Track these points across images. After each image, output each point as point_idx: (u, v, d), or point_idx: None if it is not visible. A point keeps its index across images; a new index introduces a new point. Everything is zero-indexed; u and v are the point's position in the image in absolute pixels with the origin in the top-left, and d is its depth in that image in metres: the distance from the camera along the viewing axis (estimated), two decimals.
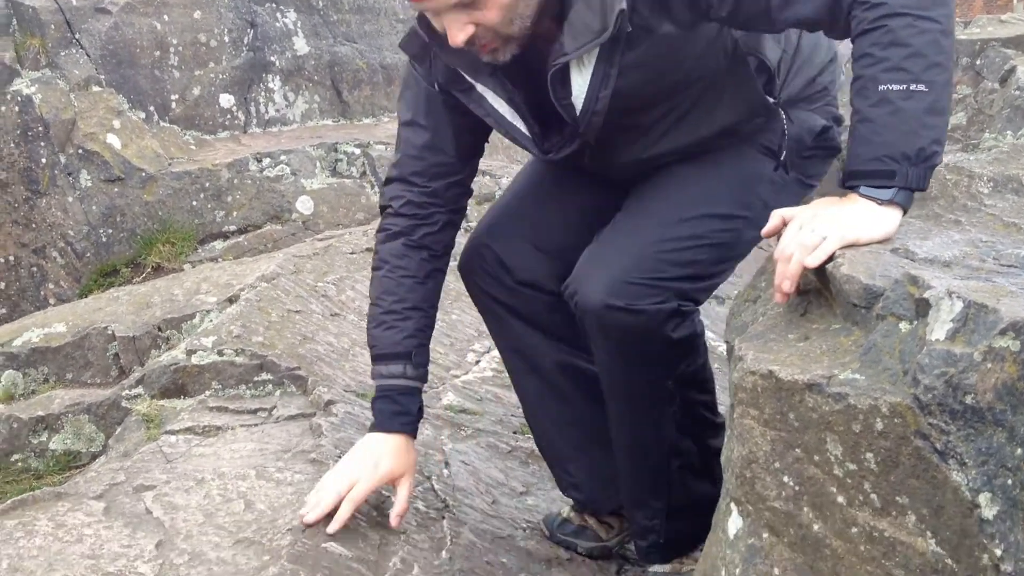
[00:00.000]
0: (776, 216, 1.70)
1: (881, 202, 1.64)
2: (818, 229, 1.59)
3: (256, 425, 2.70)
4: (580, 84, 1.93)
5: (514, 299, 2.31)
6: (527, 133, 2.06)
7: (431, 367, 2.30)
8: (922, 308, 1.38)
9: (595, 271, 2.08)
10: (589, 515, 2.49)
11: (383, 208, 2.26)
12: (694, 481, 2.27)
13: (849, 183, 1.70)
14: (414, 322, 2.20)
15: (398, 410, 2.18)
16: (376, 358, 2.21)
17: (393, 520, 2.18)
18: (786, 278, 1.62)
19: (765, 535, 1.58)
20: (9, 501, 2.15)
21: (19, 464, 2.74)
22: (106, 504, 2.20)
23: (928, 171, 1.66)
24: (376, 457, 2.14)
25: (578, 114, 1.97)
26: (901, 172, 1.64)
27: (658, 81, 1.97)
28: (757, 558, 1.58)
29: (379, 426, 2.19)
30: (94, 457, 2.76)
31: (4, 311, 4.39)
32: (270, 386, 2.91)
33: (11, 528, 2.07)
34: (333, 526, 2.08)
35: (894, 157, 1.63)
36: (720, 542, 1.70)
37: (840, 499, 1.46)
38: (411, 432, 2.20)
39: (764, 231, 1.72)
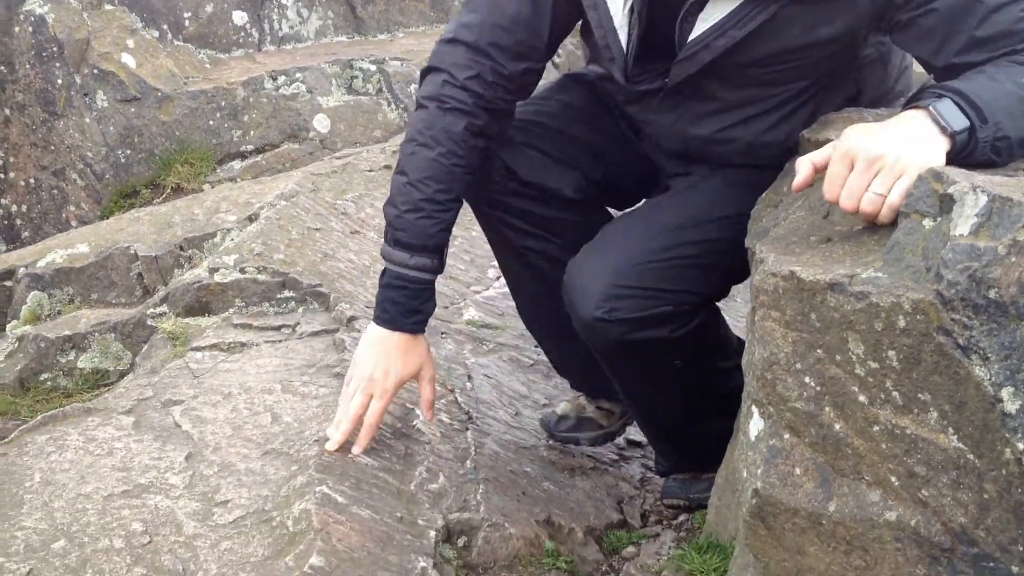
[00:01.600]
0: (806, 164, 1.57)
1: (946, 130, 1.49)
2: (887, 165, 1.46)
3: (280, 341, 2.73)
4: (714, 16, 1.79)
5: (517, 200, 2.19)
6: (623, 48, 1.89)
7: (452, 283, 2.30)
8: (946, 204, 1.37)
9: (586, 280, 1.97)
10: (588, 402, 2.48)
11: (433, 70, 1.99)
12: (714, 424, 2.23)
13: (932, 90, 1.55)
14: (452, 215, 2.02)
15: (415, 308, 2.04)
16: (401, 244, 1.99)
17: (426, 412, 2.19)
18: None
19: (786, 436, 1.59)
20: (40, 417, 2.19)
21: (48, 383, 2.78)
22: (135, 418, 2.24)
23: (1007, 153, 1.52)
24: (387, 364, 2.04)
25: (688, 40, 1.83)
26: (995, 124, 1.49)
27: (802, 41, 1.82)
28: (778, 458, 1.59)
29: (391, 323, 2.04)
30: (122, 375, 2.79)
31: (27, 234, 4.42)
32: (293, 303, 2.92)
33: (42, 443, 2.11)
34: (356, 449, 2.09)
35: (997, 111, 1.50)
36: (742, 445, 1.71)
37: (862, 398, 1.46)
38: (423, 332, 2.10)
39: (796, 183, 1.59)
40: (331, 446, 2.06)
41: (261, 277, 2.94)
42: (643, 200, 2.29)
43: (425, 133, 1.96)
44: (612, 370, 2.14)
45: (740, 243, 1.78)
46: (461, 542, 2.06)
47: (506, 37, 1.93)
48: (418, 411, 2.22)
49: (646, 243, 1.97)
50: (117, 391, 2.38)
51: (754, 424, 1.65)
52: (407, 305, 2.03)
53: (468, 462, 2.29)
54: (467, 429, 2.46)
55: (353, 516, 1.95)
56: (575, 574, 2.07)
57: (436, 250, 2.01)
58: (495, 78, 1.95)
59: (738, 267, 1.89)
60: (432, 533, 2.00)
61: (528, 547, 2.10)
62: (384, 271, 2.04)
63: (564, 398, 2.62)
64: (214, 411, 2.28)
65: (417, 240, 1.98)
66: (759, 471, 1.60)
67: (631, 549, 2.22)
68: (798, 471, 1.58)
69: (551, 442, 2.54)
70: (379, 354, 2.05)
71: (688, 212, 2.03)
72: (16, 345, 2.83)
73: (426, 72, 2.01)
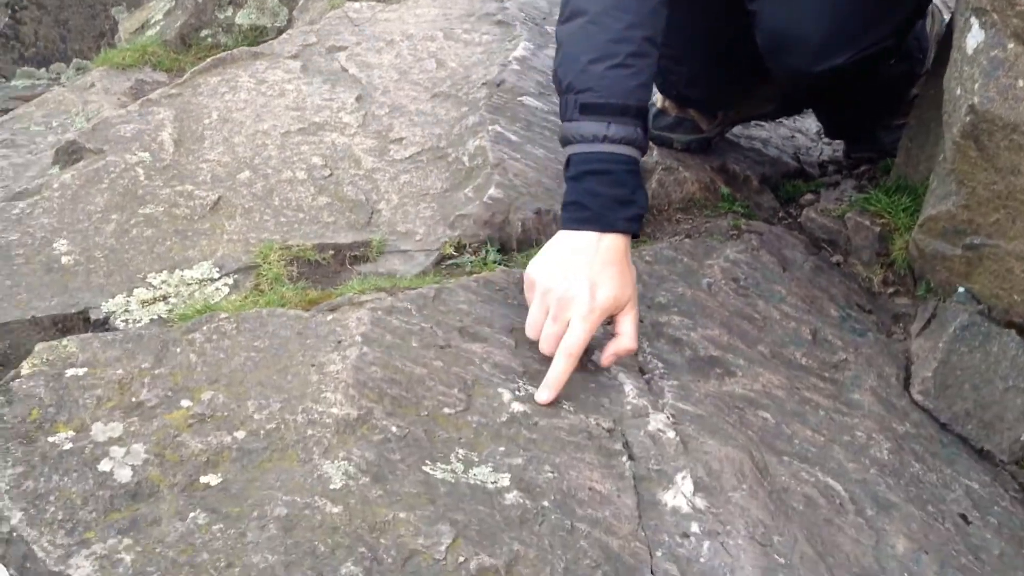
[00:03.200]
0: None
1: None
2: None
3: None
4: None
5: None
6: None
7: None
8: None
9: (798, 25, 1.65)
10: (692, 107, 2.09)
11: None
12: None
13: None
14: (651, 61, 1.51)
15: (625, 196, 1.47)
16: (589, 109, 1.48)
17: (605, 359, 1.48)
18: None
19: (1010, 45, 1.44)
20: (208, 60, 2.18)
21: (208, 40, 2.77)
22: (302, 63, 2.21)
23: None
24: (593, 279, 1.42)
25: None
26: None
27: None
28: (999, 70, 1.45)
29: (595, 221, 1.46)
30: (279, 32, 2.76)
31: None
32: None
33: (215, 84, 2.11)
34: (545, 393, 1.39)
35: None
36: (955, 62, 1.57)
37: None
38: (638, 231, 1.51)
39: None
40: (543, 398, 1.39)
41: None
42: None
43: None
44: (795, 96, 1.98)
45: None
46: None
47: None
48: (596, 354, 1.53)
49: None
50: (281, 38, 2.35)
51: (972, 36, 1.51)
52: (614, 194, 1.47)
53: None
54: None
55: (527, 154, 1.91)
56: (751, 218, 2.02)
57: (639, 113, 1.49)
58: None
59: None
60: None
61: (703, 191, 2.04)
62: (569, 161, 1.52)
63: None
64: (379, 57, 2.24)
65: (615, 99, 1.47)
66: (976, 85, 1.47)
67: (809, 196, 2.14)
68: (1020, 83, 1.44)
69: None
70: (580, 267, 1.43)
71: None
72: (174, 2, 2.81)
73: None
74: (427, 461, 1.23)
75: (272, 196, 1.79)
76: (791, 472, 1.43)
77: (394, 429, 1.25)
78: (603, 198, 1.46)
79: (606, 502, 1.26)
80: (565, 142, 1.52)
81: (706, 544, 1.25)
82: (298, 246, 1.66)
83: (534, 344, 1.45)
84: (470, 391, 1.36)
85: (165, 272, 1.59)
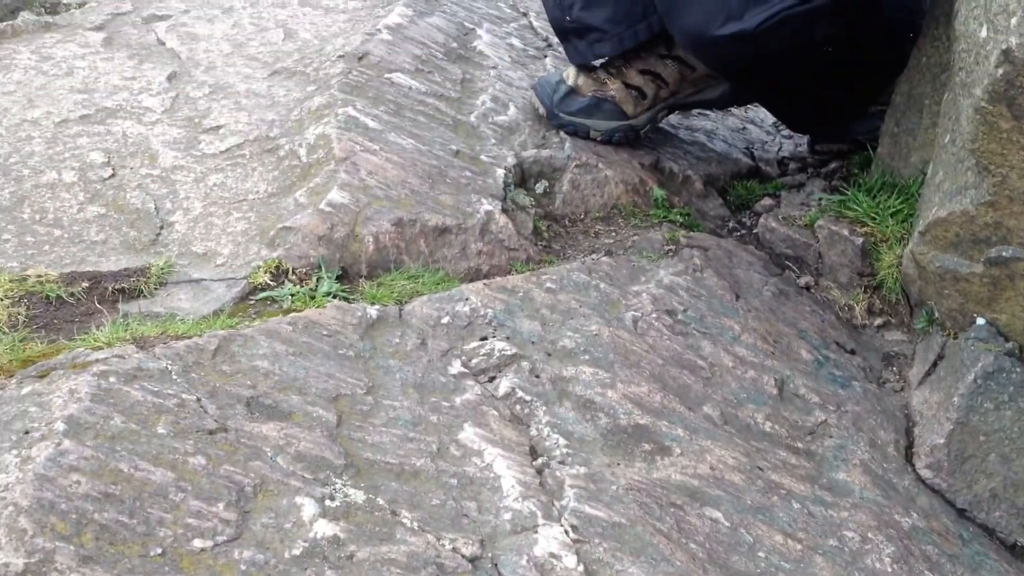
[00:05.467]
0: None
1: None
2: None
3: None
4: None
5: None
6: None
7: None
8: None
9: None
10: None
11: None
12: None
13: None
14: None
15: None
16: None
17: None
18: None
19: None
20: None
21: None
22: (107, 35, 1.69)
23: None
24: None
25: None
26: None
27: None
28: None
29: None
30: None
31: None
32: None
33: None
34: None
35: None
36: None
37: None
38: None
39: None
40: None
41: None
42: None
43: None
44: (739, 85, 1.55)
45: None
46: (540, 187, 1.53)
47: None
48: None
49: None
50: (87, 6, 1.83)
51: None
52: None
53: None
54: (544, 56, 1.87)
55: (390, 145, 1.41)
56: (693, 229, 1.54)
57: None
58: None
59: None
60: (500, 172, 1.47)
61: (630, 195, 1.56)
62: None
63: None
64: (210, 27, 1.73)
65: None
66: (1014, 21, 1.00)
67: (767, 201, 1.66)
68: None
69: None
70: None
71: None
72: None
73: None
74: None
75: (22, 206, 1.28)
76: None
77: None
78: None
79: None
80: None
81: None
82: (39, 277, 1.14)
83: (373, 415, 0.95)
84: (247, 506, 0.85)
85: None
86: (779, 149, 1.87)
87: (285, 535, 0.83)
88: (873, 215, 1.44)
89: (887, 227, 1.43)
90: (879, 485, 1.17)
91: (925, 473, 1.21)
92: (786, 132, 1.92)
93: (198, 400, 0.92)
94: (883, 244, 1.42)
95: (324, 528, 0.84)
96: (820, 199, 1.60)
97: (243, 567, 0.79)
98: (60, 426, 0.83)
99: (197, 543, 0.80)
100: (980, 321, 1.23)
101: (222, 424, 0.91)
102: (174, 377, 0.94)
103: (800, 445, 1.19)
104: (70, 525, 0.76)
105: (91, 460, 0.82)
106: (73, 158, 1.36)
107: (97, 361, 0.93)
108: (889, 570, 1.07)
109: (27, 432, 0.83)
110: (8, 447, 0.81)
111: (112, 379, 0.91)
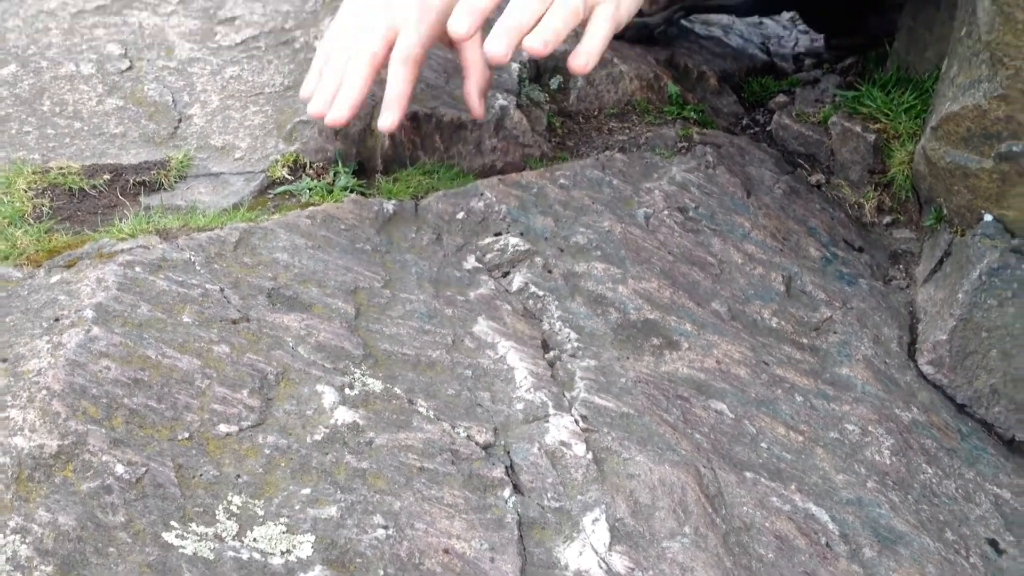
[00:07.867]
0: None
1: None
2: None
3: None
4: None
5: None
6: None
7: None
8: None
9: None
10: None
11: None
12: None
13: None
14: None
15: None
16: None
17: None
18: None
19: None
20: None
21: None
22: None
23: None
24: None
25: None
26: None
27: None
28: None
29: None
30: None
31: None
32: None
33: None
34: (387, 118, 1.13)
35: None
36: None
37: None
38: None
39: None
40: (316, 108, 1.14)
41: None
42: None
43: None
44: None
45: None
46: (555, 83, 1.53)
47: None
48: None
49: None
50: None
51: None
52: None
53: None
54: None
55: None
56: (707, 126, 1.54)
57: None
58: None
59: None
60: (515, 66, 1.47)
61: (644, 92, 1.56)
62: None
63: None
64: None
65: None
66: None
67: (782, 97, 1.66)
68: None
69: None
70: None
71: None
72: None
73: None
74: (172, 522, 0.76)
75: (42, 98, 1.29)
76: (757, 497, 0.98)
77: (120, 469, 0.77)
78: None
79: (473, 574, 0.80)
80: None
81: None
82: (61, 169, 1.16)
83: (390, 308, 0.98)
84: (270, 393, 0.88)
85: None
86: (795, 44, 1.85)
87: (307, 421, 0.87)
88: (887, 111, 1.44)
89: (900, 123, 1.43)
90: (881, 380, 1.20)
91: (927, 369, 1.24)
92: (803, 26, 1.90)
93: (221, 290, 0.95)
94: (895, 141, 1.43)
95: (344, 415, 0.88)
96: (834, 95, 1.60)
97: (267, 451, 0.83)
98: (89, 313, 0.86)
99: (223, 428, 0.84)
100: (987, 218, 1.25)
101: (244, 314, 0.94)
102: (197, 268, 0.97)
103: (805, 341, 1.22)
104: (101, 409, 0.80)
105: (120, 347, 0.85)
106: (90, 50, 1.37)
107: (122, 251, 0.96)
108: (888, 462, 1.11)
109: (57, 319, 0.87)
110: (39, 333, 0.85)
111: (138, 269, 0.94)
